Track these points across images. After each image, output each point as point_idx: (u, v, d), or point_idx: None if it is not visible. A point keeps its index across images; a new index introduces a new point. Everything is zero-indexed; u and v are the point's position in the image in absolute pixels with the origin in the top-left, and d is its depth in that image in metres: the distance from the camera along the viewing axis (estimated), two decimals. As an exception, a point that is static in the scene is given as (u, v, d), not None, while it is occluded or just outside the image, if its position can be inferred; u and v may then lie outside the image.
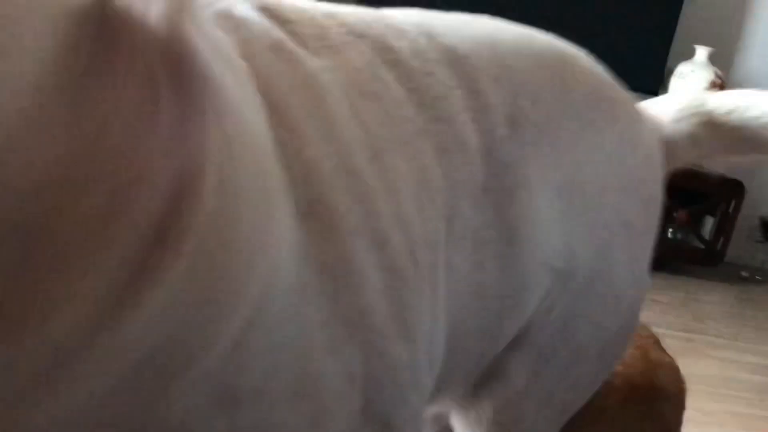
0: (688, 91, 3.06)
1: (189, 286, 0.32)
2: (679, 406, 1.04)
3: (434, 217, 0.49)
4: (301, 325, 0.40)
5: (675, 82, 3.10)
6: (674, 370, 1.07)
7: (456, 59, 0.55)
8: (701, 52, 3.08)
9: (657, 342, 1.11)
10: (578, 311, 0.65)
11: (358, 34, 0.48)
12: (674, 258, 3.20)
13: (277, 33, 0.43)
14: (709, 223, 3.16)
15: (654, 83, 3.13)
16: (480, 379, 0.63)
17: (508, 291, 0.57)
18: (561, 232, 0.60)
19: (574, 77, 0.69)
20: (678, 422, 1.04)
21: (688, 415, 1.74)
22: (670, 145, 0.76)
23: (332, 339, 0.42)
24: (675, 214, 3.03)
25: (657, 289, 2.89)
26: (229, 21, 0.41)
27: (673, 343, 2.23)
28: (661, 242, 3.02)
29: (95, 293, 0.29)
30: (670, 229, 3.19)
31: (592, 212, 0.64)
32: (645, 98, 3.14)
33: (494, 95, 0.56)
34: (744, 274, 3.41)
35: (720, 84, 3.04)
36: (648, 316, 2.48)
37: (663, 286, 2.96)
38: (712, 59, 3.09)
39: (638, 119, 0.73)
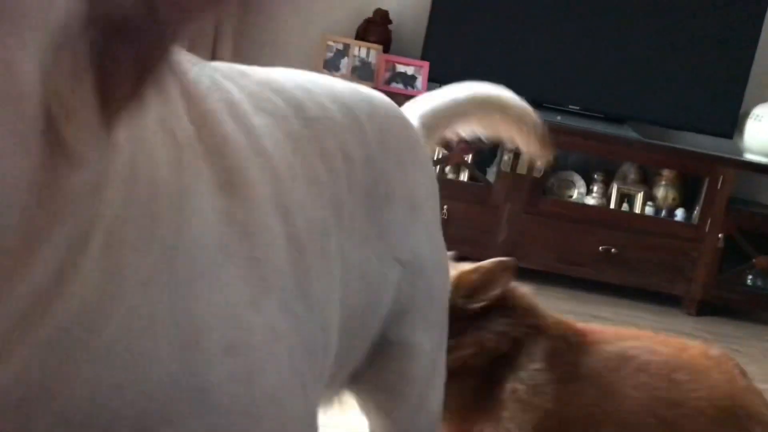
0: (765, 133, 2.99)
1: None
2: None
3: (324, 207, 0.59)
4: (226, 280, 0.44)
5: (751, 124, 3.03)
6: (763, 396, 1.07)
7: (339, 98, 0.71)
8: (778, 95, 3.01)
9: (741, 369, 1.10)
10: (424, 300, 0.79)
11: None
12: (755, 306, 3.08)
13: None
14: (791, 270, 3.04)
15: (728, 127, 3.07)
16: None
17: (381, 280, 0.71)
18: (409, 234, 0.76)
19: (403, 119, 0.85)
20: None
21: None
22: None
23: (253, 294, 0.46)
24: (754, 260, 2.93)
25: (737, 338, 2.79)
26: None
27: (754, 394, 2.15)
28: (741, 290, 2.93)
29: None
30: (750, 276, 3.08)
31: (423, 217, 0.80)
32: (720, 141, 3.07)
33: (368, 123, 0.72)
34: (831, 323, 3.25)
35: (799, 126, 2.96)
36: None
37: (743, 335, 2.85)
38: (792, 102, 3.02)
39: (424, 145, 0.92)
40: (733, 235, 2.90)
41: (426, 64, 2.91)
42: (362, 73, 2.87)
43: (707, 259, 2.90)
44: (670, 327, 2.74)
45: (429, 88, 3.02)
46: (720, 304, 3.04)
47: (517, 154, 2.85)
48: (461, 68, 3.02)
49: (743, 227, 2.90)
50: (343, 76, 2.89)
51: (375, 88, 2.84)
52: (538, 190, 2.88)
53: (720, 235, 2.88)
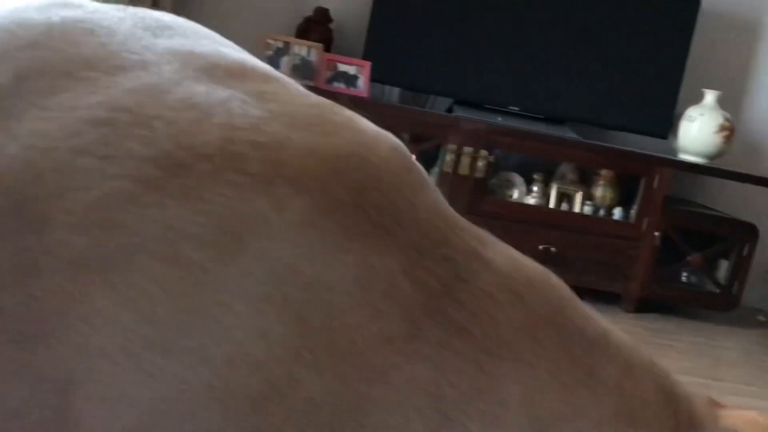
0: (699, 134, 3.07)
1: None
2: None
3: None
4: None
5: (685, 125, 3.11)
6: None
7: None
8: (710, 96, 3.10)
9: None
10: None
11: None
12: (689, 302, 3.16)
13: None
14: (723, 267, 3.13)
15: (664, 127, 3.15)
16: None
17: None
18: None
19: None
20: None
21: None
22: None
23: None
24: (689, 258, 3.01)
25: (672, 334, 2.85)
26: None
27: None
28: (677, 287, 2.99)
29: None
30: (685, 273, 3.16)
31: None
32: (656, 142, 3.15)
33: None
34: (761, 318, 3.36)
35: (729, 127, 3.05)
36: (664, 362, 2.44)
37: (678, 331, 2.92)
38: (721, 103, 3.11)
39: None
40: (669, 234, 2.97)
41: (368, 64, 2.89)
42: (303, 72, 2.83)
43: (644, 257, 2.97)
44: (611, 324, 2.78)
45: (371, 88, 3.02)
46: (657, 301, 3.11)
47: (459, 155, 2.85)
48: (403, 68, 3.02)
49: (678, 225, 2.98)
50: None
51: (316, 87, 2.81)
52: (480, 190, 2.89)
53: (656, 234, 2.95)
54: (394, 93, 3.26)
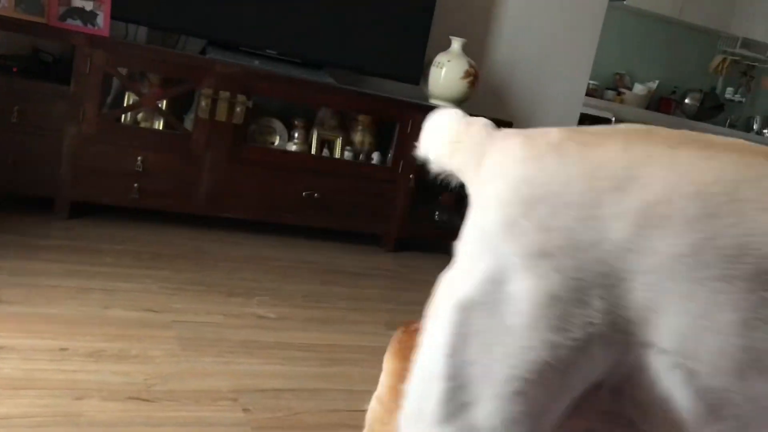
0: (446, 80, 3.23)
1: None
2: None
3: None
4: None
5: (434, 71, 3.25)
6: None
7: None
8: (456, 44, 3.26)
9: None
10: None
11: None
12: (442, 239, 3.37)
13: None
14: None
15: (415, 73, 3.26)
16: None
17: None
18: None
19: None
20: None
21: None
22: None
23: None
24: (440, 198, 3.19)
25: (427, 269, 3.03)
26: None
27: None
28: (430, 225, 3.13)
29: None
30: (437, 212, 3.35)
31: None
32: (410, 88, 3.23)
33: None
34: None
35: (474, 73, 3.24)
36: (419, 297, 2.59)
37: (431, 266, 3.10)
38: (466, 50, 3.29)
39: None
40: (422, 175, 3.11)
41: (108, 0, 2.62)
42: (28, 6, 2.49)
43: (401, 198, 3.09)
44: (372, 264, 2.88)
45: (112, 27, 2.75)
46: (413, 240, 3.28)
47: (215, 100, 2.72)
48: (149, 5, 2.78)
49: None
50: (4, 10, 2.48)
51: (46, 24, 2.50)
52: (240, 137, 2.80)
53: (411, 176, 3.08)
54: (141, 32, 3.01)
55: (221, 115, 2.74)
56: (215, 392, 1.58)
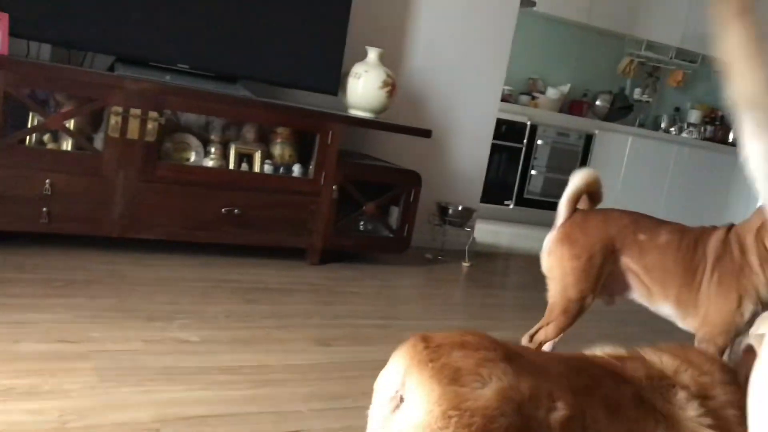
0: (364, 90, 3.23)
1: None
2: None
3: None
4: None
5: (352, 82, 3.24)
6: None
7: None
8: (372, 54, 3.27)
9: None
10: None
11: None
12: (367, 249, 3.37)
13: None
14: (394, 213, 3.38)
15: (333, 84, 3.25)
16: None
17: None
18: None
19: None
20: None
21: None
22: None
23: None
24: (364, 207, 3.18)
25: (354, 280, 3.01)
26: None
27: (372, 332, 2.33)
28: (355, 235, 3.12)
29: None
30: (362, 222, 3.34)
31: None
32: (328, 98, 3.22)
33: None
34: (428, 256, 3.72)
35: (391, 83, 3.25)
36: (347, 309, 2.57)
37: (358, 277, 3.09)
38: (383, 60, 3.30)
39: None
40: (345, 186, 3.10)
41: (5, 16, 2.50)
42: None
43: (324, 210, 3.06)
44: (296, 279, 2.84)
45: (12, 45, 2.62)
46: (338, 251, 3.25)
47: (125, 117, 2.63)
48: (48, 22, 2.67)
49: (352, 178, 3.12)
50: None
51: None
52: (153, 155, 2.71)
53: (334, 187, 3.06)
54: (45, 50, 2.88)
55: (133, 133, 2.65)
56: (137, 424, 1.51)
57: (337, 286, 2.87)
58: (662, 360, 1.18)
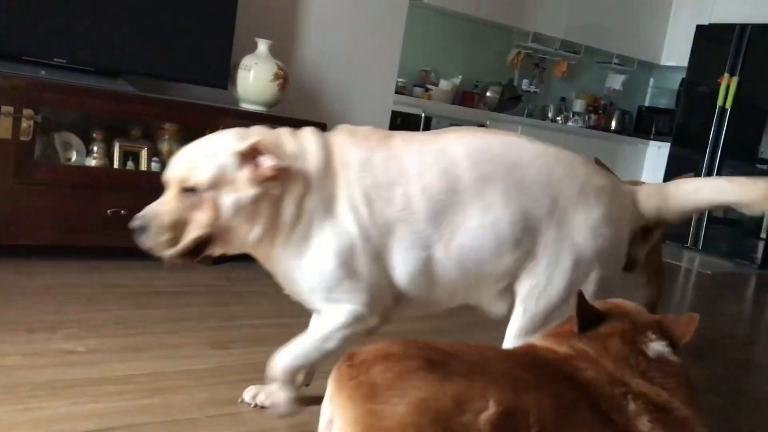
0: (255, 83, 3.15)
1: None
2: None
3: None
4: None
5: (242, 74, 3.16)
6: None
7: None
8: (262, 45, 3.19)
9: None
10: None
11: None
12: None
13: None
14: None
15: (222, 77, 3.15)
16: None
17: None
18: None
19: None
20: None
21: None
22: None
23: None
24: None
25: (251, 280, 2.93)
26: None
27: (270, 332, 2.28)
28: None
29: None
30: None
31: None
32: (218, 92, 3.11)
33: None
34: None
35: (283, 75, 3.19)
36: (244, 310, 2.49)
37: (256, 276, 3.01)
38: (273, 52, 3.23)
39: None
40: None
41: None
42: None
43: (218, 208, 2.96)
44: (190, 281, 2.74)
45: None
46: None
47: (-4, 116, 2.44)
48: None
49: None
50: None
51: None
52: (28, 155, 2.54)
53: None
54: None
55: (5, 132, 2.47)
56: (16, 446, 1.40)
57: (233, 287, 2.79)
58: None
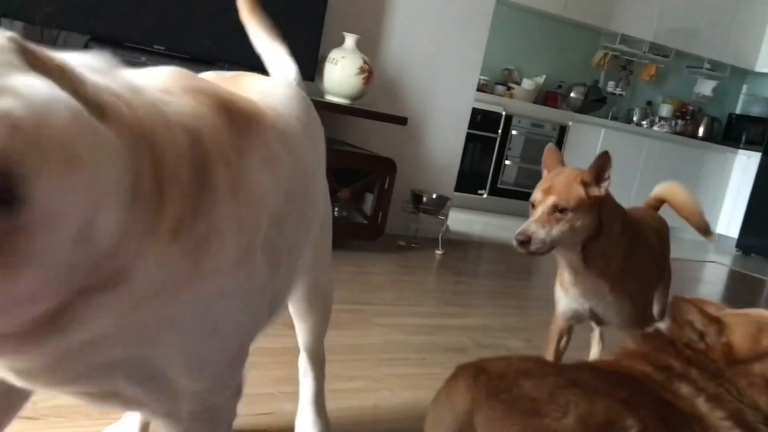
0: (341, 76, 3.23)
1: None
2: None
3: None
4: None
5: (329, 67, 3.25)
6: None
7: None
8: (349, 40, 3.27)
9: None
10: None
11: None
12: (342, 235, 3.38)
13: None
14: (369, 200, 3.40)
15: (310, 70, 3.24)
16: None
17: None
18: None
19: None
20: None
21: (358, 384, 1.83)
22: None
23: None
24: (339, 194, 3.19)
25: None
26: None
27: (344, 317, 2.35)
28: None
29: None
30: (336, 208, 3.35)
31: None
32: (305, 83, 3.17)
33: None
34: (401, 243, 3.74)
35: (368, 69, 3.26)
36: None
37: (334, 262, 3.10)
38: (360, 46, 3.30)
39: None
40: (320, 172, 3.10)
41: (-23, -8, 2.46)
42: None
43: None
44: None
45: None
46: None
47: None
48: (19, 2, 2.63)
49: (327, 164, 3.12)
50: None
51: None
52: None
53: (308, 173, 3.06)
54: (17, 28, 2.84)
55: (107, 114, 2.63)
56: None
57: (310, 271, 2.88)
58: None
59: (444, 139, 4.04)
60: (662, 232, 2.06)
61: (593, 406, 0.90)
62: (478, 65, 4.07)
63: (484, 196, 5.76)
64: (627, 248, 1.75)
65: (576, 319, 1.85)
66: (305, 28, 3.20)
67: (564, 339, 1.88)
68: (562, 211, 1.68)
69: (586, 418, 0.88)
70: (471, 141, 5.34)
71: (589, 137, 6.06)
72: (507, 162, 5.78)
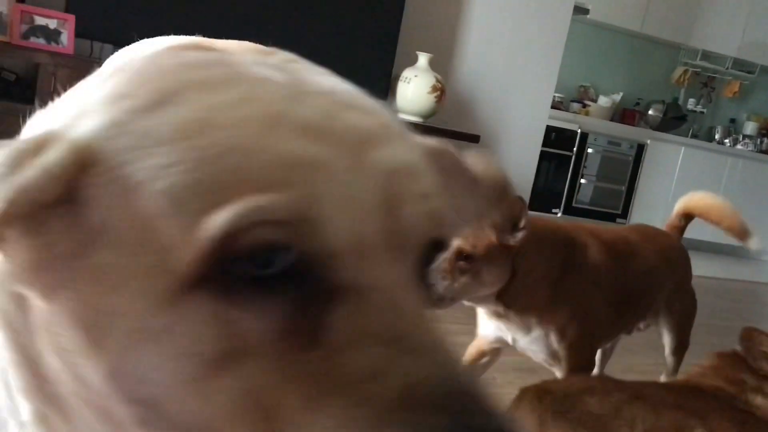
0: (414, 95, 3.26)
1: None
2: None
3: None
4: None
5: (402, 86, 3.28)
6: None
7: None
8: (422, 59, 3.29)
9: None
10: None
11: None
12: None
13: None
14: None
15: (383, 88, 3.29)
16: None
17: None
18: None
19: None
20: None
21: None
22: None
23: None
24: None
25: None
26: None
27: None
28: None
29: None
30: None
31: None
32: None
33: None
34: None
35: (441, 88, 3.28)
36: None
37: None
38: (432, 65, 3.32)
39: None
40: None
41: (71, 17, 2.60)
42: (-9, 25, 2.46)
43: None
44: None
45: (77, 45, 2.73)
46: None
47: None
48: (113, 22, 2.77)
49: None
50: (-33, 28, 2.45)
51: (9, 43, 2.47)
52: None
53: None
54: (107, 50, 2.99)
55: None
56: None
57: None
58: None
59: (517, 157, 4.01)
60: (669, 253, 1.83)
61: (660, 418, 0.91)
62: (552, 82, 4.02)
63: (559, 215, 5.67)
64: (558, 274, 1.52)
65: (502, 344, 1.67)
66: (379, 47, 3.25)
67: (485, 359, 1.72)
68: (467, 258, 1.40)
69: (653, 431, 0.89)
70: (545, 159, 5.27)
71: (669, 156, 5.89)
72: (582, 180, 5.67)
